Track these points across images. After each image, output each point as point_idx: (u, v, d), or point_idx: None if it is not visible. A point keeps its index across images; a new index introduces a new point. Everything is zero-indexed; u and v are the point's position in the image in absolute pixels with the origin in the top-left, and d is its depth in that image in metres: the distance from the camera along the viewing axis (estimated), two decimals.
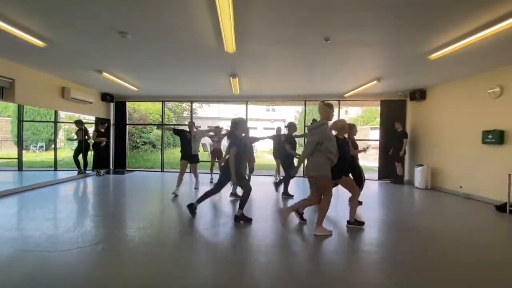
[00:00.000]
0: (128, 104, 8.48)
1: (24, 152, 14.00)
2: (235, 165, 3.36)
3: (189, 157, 5.23)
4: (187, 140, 5.20)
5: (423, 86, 6.36)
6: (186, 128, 5.45)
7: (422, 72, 5.06)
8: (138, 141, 13.42)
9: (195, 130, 5.39)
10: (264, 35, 3.45)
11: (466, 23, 3.02)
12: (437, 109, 6.13)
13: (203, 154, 14.45)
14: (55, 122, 8.61)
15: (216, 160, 6.54)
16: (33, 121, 10.22)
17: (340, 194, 5.01)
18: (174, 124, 14.97)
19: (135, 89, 6.86)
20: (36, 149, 13.48)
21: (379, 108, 7.49)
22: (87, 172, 7.27)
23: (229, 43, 3.52)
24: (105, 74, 5.32)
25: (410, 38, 3.51)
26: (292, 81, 5.99)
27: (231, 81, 5.66)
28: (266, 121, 22.56)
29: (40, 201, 4.49)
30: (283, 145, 4.97)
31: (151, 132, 13.94)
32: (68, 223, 3.30)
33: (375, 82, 5.57)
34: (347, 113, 27.14)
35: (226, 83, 6.09)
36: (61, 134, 15.43)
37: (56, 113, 8.20)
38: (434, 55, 3.96)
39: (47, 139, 14.48)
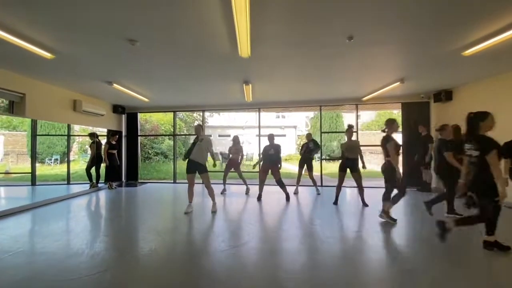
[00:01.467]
0: (140, 116, 8.41)
1: (39, 165, 14.27)
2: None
3: (191, 166, 4.37)
4: (193, 144, 4.43)
5: (449, 86, 5.93)
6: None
7: (451, 70, 4.68)
8: (150, 152, 13.38)
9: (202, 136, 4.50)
10: (281, 36, 3.20)
11: (507, 15, 2.70)
12: (466, 109, 5.65)
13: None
14: (68, 135, 8.60)
15: (232, 170, 6.29)
16: (46, 135, 10.30)
17: None
18: (185, 134, 14.92)
19: (146, 100, 6.75)
20: (51, 162, 13.68)
21: (395, 111, 7.09)
22: (99, 185, 7.15)
23: (244, 47, 3.29)
24: (115, 85, 5.20)
25: (441, 35, 3.21)
26: (308, 85, 5.71)
27: (244, 88, 5.43)
28: (276, 128, 22.31)
29: (49, 218, 4.32)
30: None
31: (163, 143, 13.91)
32: (77, 244, 3.08)
33: (398, 83, 5.21)
34: (359, 117, 26.56)
35: (238, 90, 5.87)
36: (75, 147, 15.69)
37: (69, 126, 8.21)
38: (468, 51, 3.60)
39: (61, 152, 14.72)
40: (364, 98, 6.82)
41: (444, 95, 6.06)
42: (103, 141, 7.45)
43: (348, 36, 3.17)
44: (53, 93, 5.49)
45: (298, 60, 4.07)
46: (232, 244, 3.08)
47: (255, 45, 3.36)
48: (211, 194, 4.55)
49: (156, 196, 6.32)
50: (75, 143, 13.71)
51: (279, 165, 5.28)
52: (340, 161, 4.98)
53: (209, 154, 4.50)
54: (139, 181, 8.37)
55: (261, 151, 5.60)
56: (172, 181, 8.29)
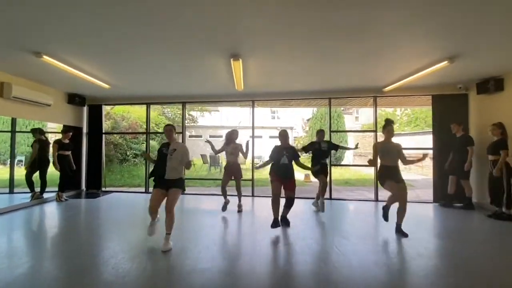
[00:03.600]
0: (112, 111, 6.83)
1: (1, 167, 12.41)
2: None
3: (162, 182, 3.06)
4: (162, 156, 3.11)
5: (499, 72, 4.55)
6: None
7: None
8: (128, 153, 11.70)
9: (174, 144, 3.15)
10: None
11: None
12: None
13: (203, 167, 12.65)
14: (13, 131, 6.89)
15: (232, 178, 4.68)
16: None
17: None
18: (159, 133, 13.28)
19: (106, 86, 5.17)
20: (15, 164, 11.85)
21: (411, 108, 5.68)
22: (44, 196, 5.52)
23: None
24: (46, 58, 3.62)
25: None
26: (315, 69, 4.26)
27: (232, 67, 3.90)
28: (272, 129, 20.84)
29: None
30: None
31: (143, 143, 12.25)
32: None
33: (444, 63, 3.77)
34: (357, 119, 25.09)
35: (225, 71, 4.36)
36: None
37: (13, 120, 6.53)
38: None
39: (28, 152, 12.89)
40: (386, 89, 5.39)
41: (493, 84, 4.67)
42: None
43: None
44: None
45: (304, 27, 2.61)
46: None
47: None
48: (171, 221, 2.99)
49: (114, 212, 4.75)
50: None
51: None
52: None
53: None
54: (104, 189, 6.75)
55: (271, 154, 3.76)
56: (144, 191, 6.69)
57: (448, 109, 5.38)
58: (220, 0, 2.34)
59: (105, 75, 4.66)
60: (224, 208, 4.57)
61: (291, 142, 23.68)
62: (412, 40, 3.19)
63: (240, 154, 4.63)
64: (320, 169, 4.44)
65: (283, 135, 3.73)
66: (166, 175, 3.02)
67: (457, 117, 5.25)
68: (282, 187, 3.63)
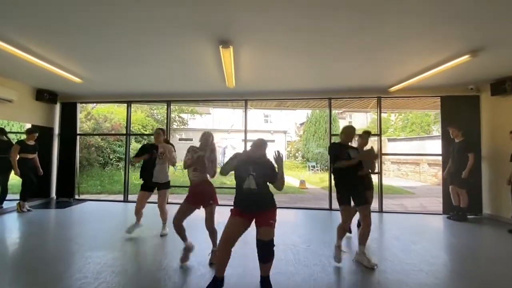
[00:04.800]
0: (93, 111, 6.13)
1: None
2: None
3: (149, 186, 3.53)
4: (149, 159, 3.51)
5: None
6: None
7: None
8: (111, 157, 10.91)
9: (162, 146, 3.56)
10: None
11: None
12: None
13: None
14: None
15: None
16: None
17: None
18: (140, 134, 12.65)
19: (77, 80, 4.51)
20: None
21: (412, 112, 5.24)
22: (3, 206, 4.77)
23: None
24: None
25: None
26: (314, 65, 3.75)
27: (221, 55, 3.31)
28: (265, 133, 20.29)
29: None
30: None
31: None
32: None
33: (466, 57, 3.29)
34: (351, 123, 24.93)
35: (214, 63, 3.78)
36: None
37: None
38: None
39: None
40: (392, 89, 4.91)
41: (510, 85, 4.25)
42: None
43: None
44: None
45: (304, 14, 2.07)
46: None
47: None
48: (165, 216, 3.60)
49: (85, 225, 4.06)
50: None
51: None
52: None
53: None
54: (77, 197, 6.01)
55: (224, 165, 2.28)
56: (122, 200, 5.98)
57: (458, 112, 4.94)
58: None
59: (74, 67, 4.02)
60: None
61: (285, 145, 23.10)
62: (426, 31, 2.71)
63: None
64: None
65: (258, 145, 2.27)
66: (154, 179, 3.48)
67: (467, 120, 4.83)
68: (246, 225, 2.16)
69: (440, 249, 3.28)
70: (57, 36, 2.97)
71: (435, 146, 9.15)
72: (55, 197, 5.88)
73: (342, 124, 19.82)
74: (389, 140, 14.30)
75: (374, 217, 4.80)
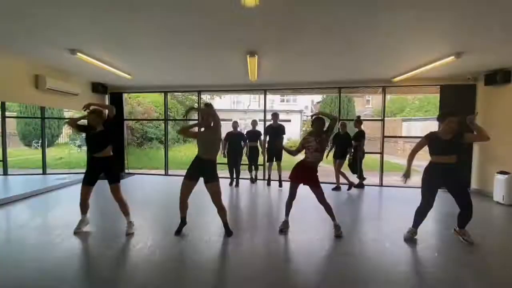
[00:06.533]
0: (127, 96, 7.23)
1: (26, 149, 13.24)
2: None
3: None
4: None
5: (508, 65, 4.65)
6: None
7: None
8: (144, 137, 12.29)
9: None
10: None
11: None
12: None
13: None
14: (42, 118, 7.44)
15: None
16: (15, 117, 9.17)
17: None
18: (179, 119, 13.77)
19: (128, 77, 5.53)
20: (39, 146, 12.64)
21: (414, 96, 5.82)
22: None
23: None
24: (80, 55, 3.99)
25: None
26: (327, 63, 4.49)
27: (247, 61, 4.18)
28: (281, 113, 20.89)
29: None
30: None
31: (157, 127, 12.77)
32: None
33: (451, 58, 3.94)
34: (368, 102, 24.81)
35: (241, 65, 4.63)
36: (67, 130, 14.61)
37: (42, 107, 7.05)
38: None
39: (50, 135, 13.65)
40: (395, 79, 5.55)
41: (501, 76, 4.79)
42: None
43: None
44: (8, 66, 4.31)
45: (320, 21, 2.83)
46: None
47: None
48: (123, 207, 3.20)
49: (140, 192, 5.28)
50: (66, 126, 12.59)
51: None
52: None
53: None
54: (126, 171, 7.33)
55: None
56: (164, 173, 7.23)
57: (456, 99, 5.53)
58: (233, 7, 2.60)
59: (128, 67, 5.01)
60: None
61: (300, 125, 23.54)
62: (422, 35, 3.35)
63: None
64: None
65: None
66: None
67: (464, 107, 5.43)
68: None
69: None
70: (122, 51, 3.94)
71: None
72: None
73: (358, 103, 19.96)
74: (404, 120, 14.62)
75: (374, 190, 5.69)
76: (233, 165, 5.76)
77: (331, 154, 5.52)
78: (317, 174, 3.12)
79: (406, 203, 4.34)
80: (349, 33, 3.26)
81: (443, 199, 3.63)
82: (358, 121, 5.59)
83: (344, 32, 3.22)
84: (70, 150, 12.37)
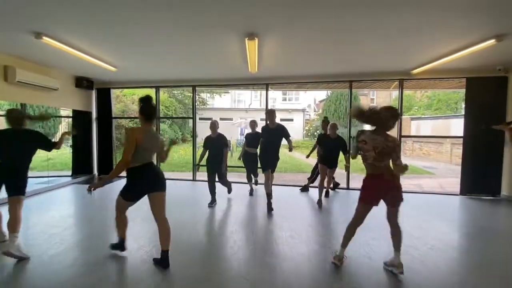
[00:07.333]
0: (121, 93, 6.62)
1: None
2: None
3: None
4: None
5: None
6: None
7: None
8: None
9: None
10: None
11: None
12: None
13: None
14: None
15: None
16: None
17: None
18: (171, 117, 13.04)
19: (112, 69, 4.91)
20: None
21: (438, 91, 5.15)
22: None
23: None
24: (46, 39, 3.36)
25: None
26: (337, 50, 3.84)
27: (246, 46, 3.53)
28: (283, 112, 20.29)
29: None
30: None
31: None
32: None
33: (490, 42, 3.27)
34: (373, 101, 24.06)
35: (239, 53, 3.99)
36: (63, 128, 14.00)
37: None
38: None
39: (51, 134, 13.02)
40: (415, 71, 4.89)
41: None
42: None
43: None
44: None
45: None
46: None
47: None
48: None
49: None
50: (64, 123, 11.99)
51: None
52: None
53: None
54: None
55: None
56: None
57: (484, 93, 4.87)
58: None
59: (111, 58, 4.39)
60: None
61: (303, 124, 22.91)
62: (452, 16, 2.73)
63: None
64: None
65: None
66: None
67: (493, 101, 4.79)
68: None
69: (451, 227, 3.51)
70: (100, 37, 3.31)
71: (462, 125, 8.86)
72: (96, 174, 6.60)
73: (362, 101, 19.30)
74: (413, 119, 13.91)
75: None
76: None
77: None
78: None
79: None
80: (366, 12, 2.62)
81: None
82: (325, 122, 4.83)
83: (360, 11, 2.58)
84: (63, 150, 11.77)
